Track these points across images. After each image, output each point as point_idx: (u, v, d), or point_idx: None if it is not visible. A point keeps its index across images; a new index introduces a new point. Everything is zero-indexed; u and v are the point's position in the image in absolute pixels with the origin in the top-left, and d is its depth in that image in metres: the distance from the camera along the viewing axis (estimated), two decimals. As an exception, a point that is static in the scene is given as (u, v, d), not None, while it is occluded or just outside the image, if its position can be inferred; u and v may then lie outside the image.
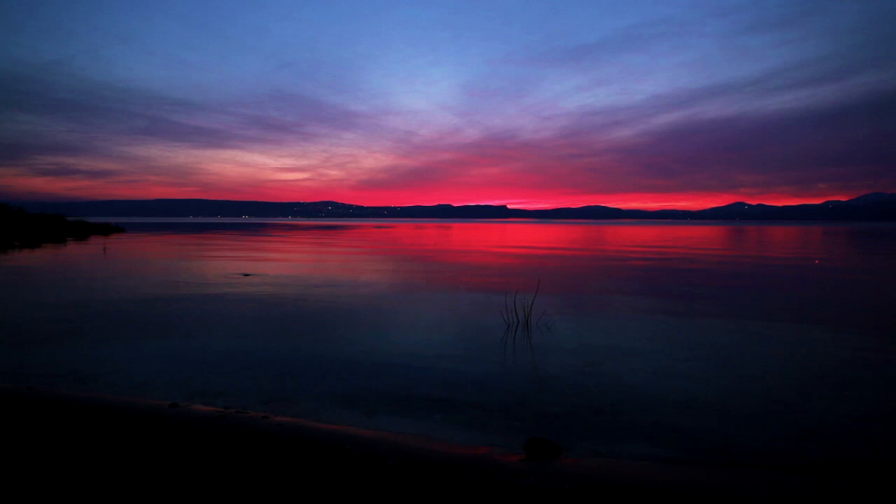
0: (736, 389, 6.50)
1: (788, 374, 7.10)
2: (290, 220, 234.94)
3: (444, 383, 6.70)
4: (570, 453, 4.73)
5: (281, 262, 24.33)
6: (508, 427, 5.35)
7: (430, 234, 66.53)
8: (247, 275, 18.60)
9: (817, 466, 4.47)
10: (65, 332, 9.50)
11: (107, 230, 57.02)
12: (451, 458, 4.48)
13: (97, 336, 9.29)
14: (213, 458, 4.22)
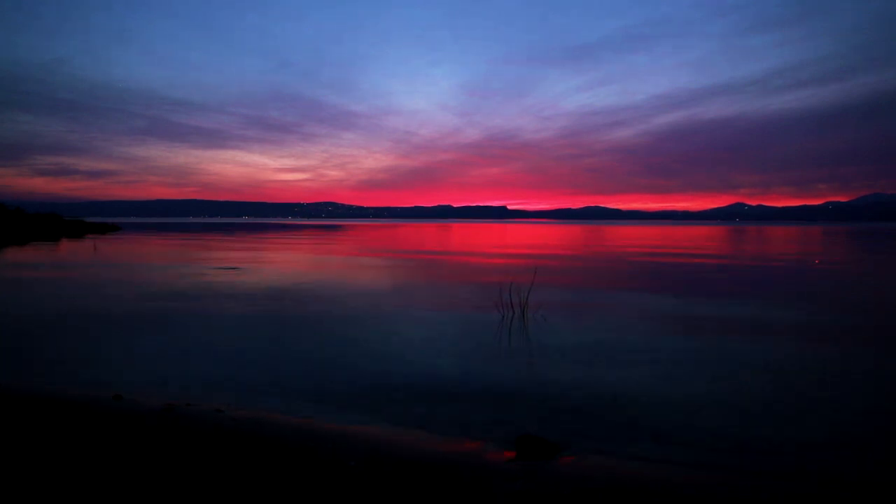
0: (739, 386, 5.97)
1: (792, 373, 6.54)
2: (290, 221, 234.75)
3: (431, 376, 6.10)
4: (568, 452, 4.12)
5: (274, 260, 23.76)
6: (499, 422, 4.74)
7: (429, 233, 66.09)
8: (235, 268, 18.01)
9: (817, 465, 4.02)
10: (16, 325, 8.90)
11: (103, 229, 56.50)
12: (429, 457, 3.86)
13: (53, 329, 8.68)
14: (154, 456, 3.60)
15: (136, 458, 3.61)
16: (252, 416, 4.58)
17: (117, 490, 3.17)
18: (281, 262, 21.46)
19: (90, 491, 3.15)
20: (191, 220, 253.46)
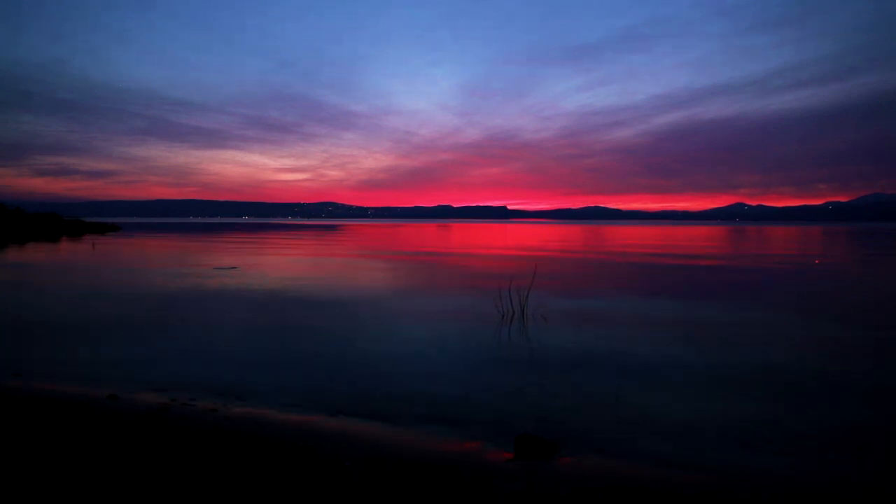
0: (739, 386, 5.91)
1: (791, 373, 6.49)
2: (290, 221, 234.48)
3: (430, 375, 6.04)
4: (567, 452, 4.06)
5: (274, 260, 23.70)
6: (498, 422, 4.69)
7: (429, 233, 66.03)
8: (234, 268, 17.95)
9: (818, 466, 3.97)
10: (14, 324, 8.85)
11: (102, 229, 56.41)
12: (427, 457, 3.81)
13: (50, 328, 8.62)
14: (146, 455, 3.55)
15: (128, 457, 3.57)
16: (247, 416, 4.52)
17: (107, 489, 3.12)
18: (280, 263, 21.40)
19: (79, 490, 3.10)
20: (191, 220, 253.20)
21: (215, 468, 3.45)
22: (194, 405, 4.74)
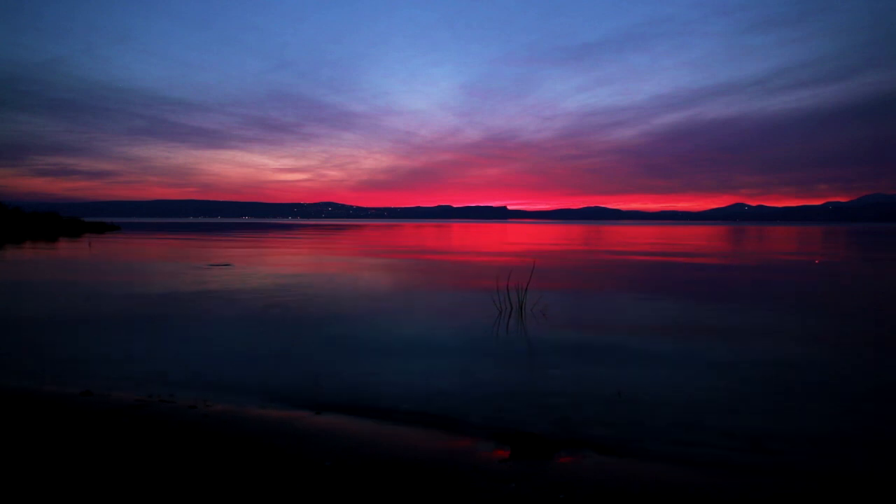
0: (741, 385, 5.71)
1: (794, 372, 6.27)
2: (290, 221, 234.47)
3: (422, 372, 5.82)
4: (565, 452, 3.83)
5: (269, 259, 23.52)
6: (493, 419, 4.47)
7: (429, 233, 65.96)
8: (227, 265, 17.74)
9: (821, 466, 3.79)
10: None
11: (101, 228, 56.25)
12: (416, 456, 3.58)
13: (33, 326, 8.40)
14: (118, 452, 3.32)
15: (99, 454, 3.33)
16: (227, 412, 4.28)
17: (74, 488, 2.89)
18: (275, 262, 21.18)
19: (44, 489, 2.87)
20: (191, 220, 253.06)
21: (189, 466, 3.22)
22: (173, 402, 4.51)
